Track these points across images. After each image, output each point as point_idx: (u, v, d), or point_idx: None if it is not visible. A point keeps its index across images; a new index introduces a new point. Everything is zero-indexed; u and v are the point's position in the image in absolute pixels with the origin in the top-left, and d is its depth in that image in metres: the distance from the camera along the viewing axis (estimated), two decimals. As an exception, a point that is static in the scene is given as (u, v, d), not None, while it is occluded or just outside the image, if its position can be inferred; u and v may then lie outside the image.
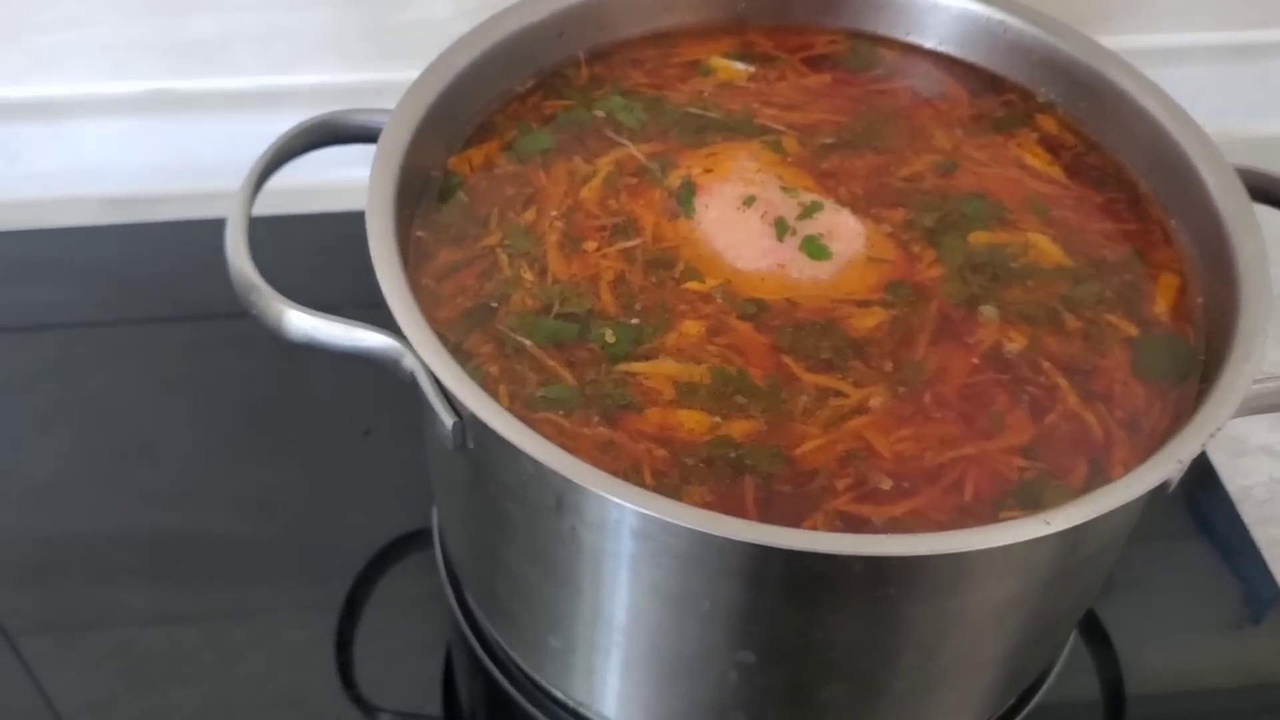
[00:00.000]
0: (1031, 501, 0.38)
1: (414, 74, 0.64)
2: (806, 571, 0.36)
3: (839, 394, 0.40)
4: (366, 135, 0.46)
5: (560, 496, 0.37)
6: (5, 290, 0.64)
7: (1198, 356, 0.42)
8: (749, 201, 0.45)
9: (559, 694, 0.46)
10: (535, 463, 0.35)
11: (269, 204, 0.57)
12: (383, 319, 0.41)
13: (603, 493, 0.35)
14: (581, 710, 0.46)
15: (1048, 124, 0.50)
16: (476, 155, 0.47)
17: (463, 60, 0.47)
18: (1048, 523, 0.34)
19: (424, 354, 0.38)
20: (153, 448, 0.58)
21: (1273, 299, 0.40)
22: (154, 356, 0.62)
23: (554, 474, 0.35)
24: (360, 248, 0.63)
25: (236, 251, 0.42)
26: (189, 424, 0.58)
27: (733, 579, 0.36)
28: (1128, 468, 0.38)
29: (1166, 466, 0.36)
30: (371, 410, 0.57)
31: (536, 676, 0.47)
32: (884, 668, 0.40)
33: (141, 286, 0.64)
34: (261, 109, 0.65)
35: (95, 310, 0.63)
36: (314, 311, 0.41)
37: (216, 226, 0.68)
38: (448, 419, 0.39)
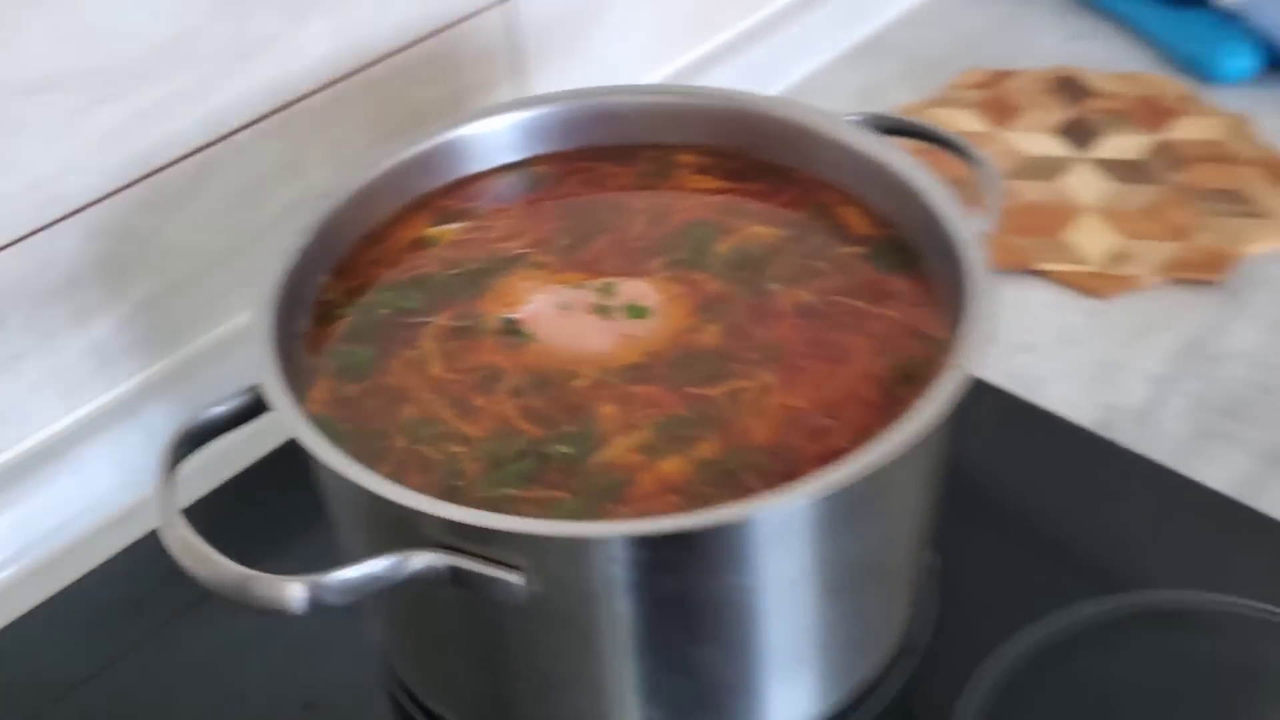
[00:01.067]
0: (916, 378, 0.48)
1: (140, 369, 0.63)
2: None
3: (754, 387, 0.48)
4: (235, 421, 0.46)
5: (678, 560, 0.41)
6: None
7: (913, 243, 0.54)
8: (564, 307, 0.52)
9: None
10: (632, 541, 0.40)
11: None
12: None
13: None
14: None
15: (687, 158, 0.61)
16: (320, 394, 0.49)
17: (267, 322, 0.48)
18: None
19: (467, 519, 0.41)
20: None
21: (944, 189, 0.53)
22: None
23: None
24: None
25: (196, 554, 0.41)
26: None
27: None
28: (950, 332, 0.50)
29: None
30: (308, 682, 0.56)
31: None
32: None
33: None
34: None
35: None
36: (331, 570, 0.41)
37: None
38: (513, 577, 0.42)
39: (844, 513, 0.44)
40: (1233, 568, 0.57)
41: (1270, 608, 0.54)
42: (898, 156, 0.55)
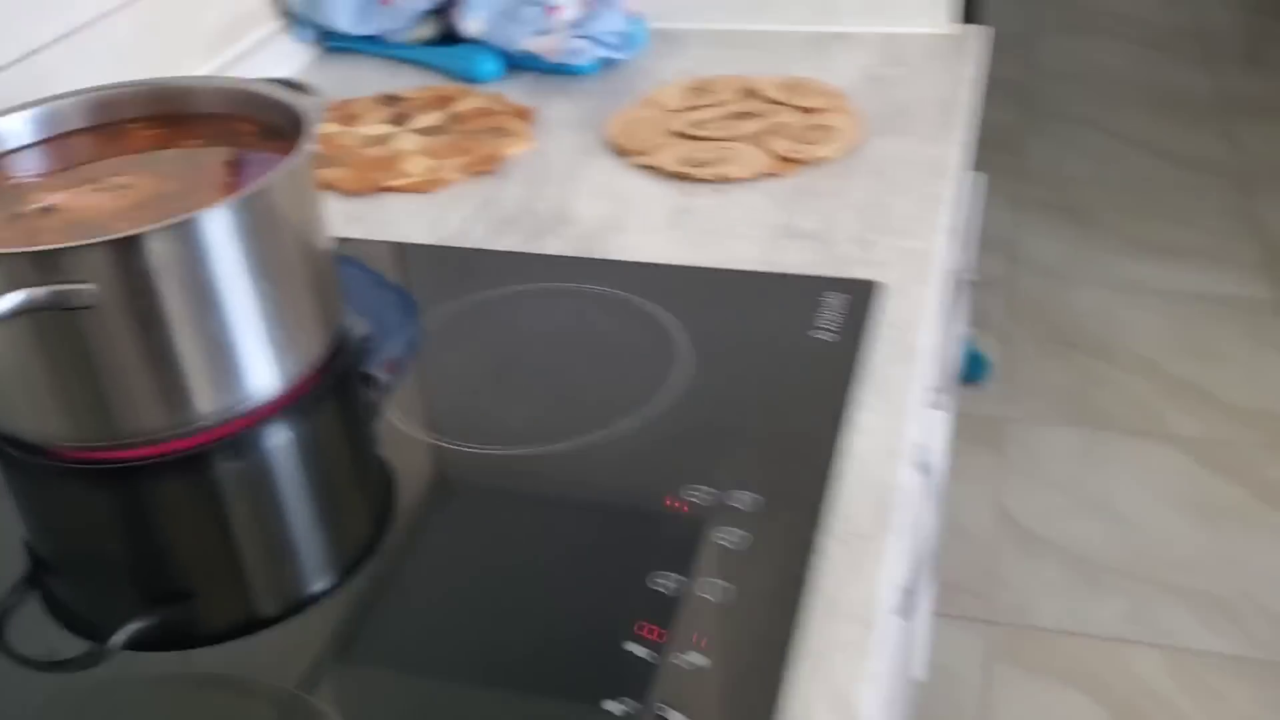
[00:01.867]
0: (293, 178, 0.85)
1: None
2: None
3: (207, 199, 0.82)
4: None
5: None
6: None
7: (282, 126, 0.91)
8: (78, 192, 0.83)
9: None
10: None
11: None
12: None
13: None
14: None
15: (136, 124, 0.94)
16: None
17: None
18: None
19: (46, 247, 0.71)
20: None
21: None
22: None
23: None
24: None
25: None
26: None
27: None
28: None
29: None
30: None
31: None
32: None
33: None
34: None
35: None
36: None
37: None
38: (87, 286, 0.72)
39: (253, 220, 0.79)
40: (559, 275, 0.99)
41: (576, 284, 0.97)
42: (265, 86, 0.93)
